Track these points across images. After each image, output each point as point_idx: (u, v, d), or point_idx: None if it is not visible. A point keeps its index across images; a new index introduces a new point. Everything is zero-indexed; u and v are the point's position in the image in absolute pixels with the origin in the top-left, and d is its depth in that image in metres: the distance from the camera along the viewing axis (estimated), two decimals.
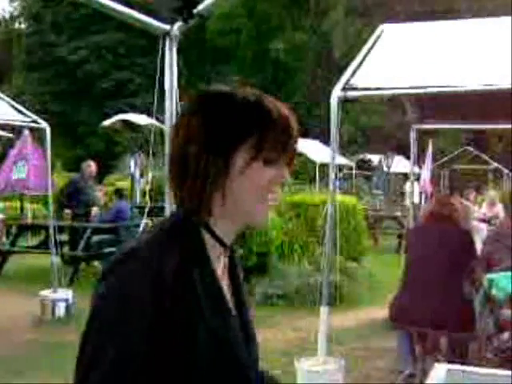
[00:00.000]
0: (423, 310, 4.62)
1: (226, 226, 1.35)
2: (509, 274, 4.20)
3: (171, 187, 1.35)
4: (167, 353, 1.21)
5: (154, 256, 1.23)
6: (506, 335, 4.07)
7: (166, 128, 3.48)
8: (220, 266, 1.38)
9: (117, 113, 17.20)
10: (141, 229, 6.25)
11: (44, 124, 7.77)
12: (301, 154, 18.83)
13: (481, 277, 4.35)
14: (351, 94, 4.80)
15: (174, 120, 3.48)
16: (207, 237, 1.33)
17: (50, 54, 35.18)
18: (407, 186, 19.07)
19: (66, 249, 10.09)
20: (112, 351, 1.18)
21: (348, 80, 4.83)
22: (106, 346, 1.19)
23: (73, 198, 10.65)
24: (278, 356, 5.75)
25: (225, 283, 1.39)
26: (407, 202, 17.98)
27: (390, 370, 5.63)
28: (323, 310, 4.98)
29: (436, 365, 1.77)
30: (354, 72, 4.93)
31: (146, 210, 4.76)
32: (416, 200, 8.42)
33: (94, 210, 10.72)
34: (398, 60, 5.09)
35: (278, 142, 1.31)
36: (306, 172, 20.11)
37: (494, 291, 4.15)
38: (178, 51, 3.51)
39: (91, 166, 10.92)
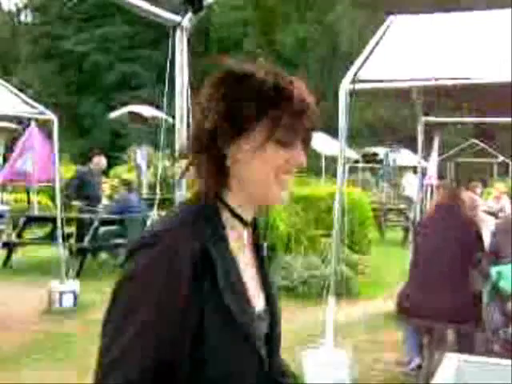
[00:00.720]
0: (430, 303, 4.62)
1: (243, 204, 1.39)
2: None
3: (191, 164, 1.37)
4: (182, 333, 1.24)
5: (174, 243, 1.25)
6: None
7: (177, 119, 3.48)
8: (241, 245, 1.41)
9: (122, 105, 17.19)
10: (149, 222, 6.26)
11: (51, 115, 7.78)
12: None
13: (488, 269, 4.35)
14: (360, 86, 4.79)
15: (184, 112, 3.48)
16: (227, 216, 1.37)
17: (56, 45, 35.21)
18: (404, 180, 19.07)
19: (72, 240, 10.11)
20: (131, 331, 1.22)
21: (356, 72, 4.82)
22: (123, 326, 1.23)
23: (80, 190, 10.67)
24: (284, 347, 5.75)
25: (247, 261, 1.42)
26: (407, 193, 17.97)
27: (396, 361, 5.64)
28: (331, 299, 4.98)
29: (448, 354, 1.77)
30: (362, 64, 4.91)
31: (156, 201, 4.75)
32: (417, 193, 8.37)
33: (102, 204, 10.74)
34: (407, 52, 5.07)
35: (294, 123, 1.32)
36: (313, 164, 20.08)
37: (502, 283, 4.16)
38: (188, 43, 3.52)
39: (101, 161, 10.95)
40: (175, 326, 1.23)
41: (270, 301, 1.47)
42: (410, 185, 19.23)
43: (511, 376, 1.68)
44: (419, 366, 5.11)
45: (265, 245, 1.54)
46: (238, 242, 1.40)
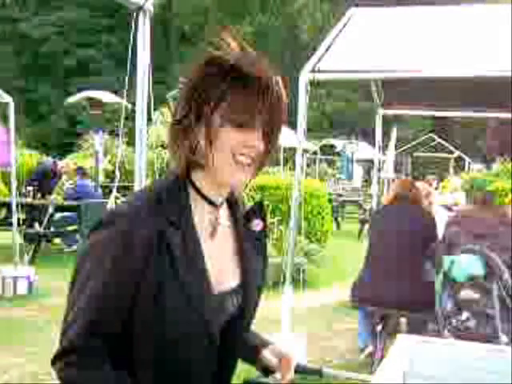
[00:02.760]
0: (384, 290, 4.71)
1: (209, 187, 1.44)
2: (468, 255, 4.31)
3: (170, 151, 1.46)
4: (139, 306, 1.36)
5: (130, 223, 1.34)
6: (464, 315, 4.19)
7: (137, 103, 3.46)
8: (212, 222, 1.47)
9: (80, 91, 16.94)
10: (108, 206, 6.20)
11: (8, 98, 7.62)
12: None
13: (441, 258, 4.45)
14: (320, 76, 4.82)
15: (144, 95, 3.46)
16: (195, 195, 1.44)
17: (12, 29, 34.44)
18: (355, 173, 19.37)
19: (27, 227, 9.97)
20: (81, 301, 1.36)
21: (316, 63, 4.85)
22: (75, 299, 1.37)
23: (38, 179, 10.61)
24: None
25: (223, 238, 1.50)
26: (355, 184, 18.24)
27: (351, 348, 5.73)
28: (286, 289, 5.03)
29: (399, 336, 1.82)
30: (323, 55, 4.94)
31: (115, 184, 4.70)
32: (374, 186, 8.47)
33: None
34: (367, 44, 5.12)
35: (250, 104, 1.34)
36: (272, 156, 20.11)
37: (454, 272, 4.26)
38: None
39: (69, 168, 10.98)
40: (124, 296, 1.35)
41: (245, 276, 1.52)
42: (358, 176, 19.58)
43: (461, 356, 1.74)
44: (372, 353, 5.20)
45: (256, 222, 1.57)
46: (208, 220, 1.46)
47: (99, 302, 1.34)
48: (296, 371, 1.70)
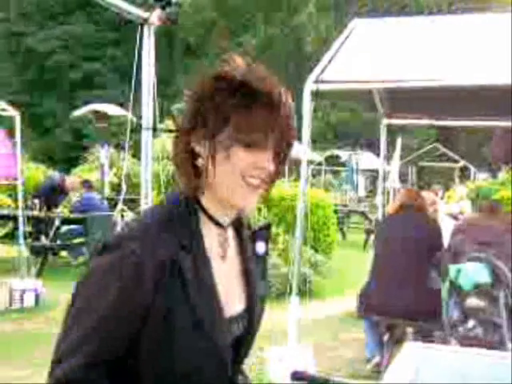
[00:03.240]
0: (390, 300, 4.71)
1: (217, 209, 1.39)
2: (475, 264, 4.31)
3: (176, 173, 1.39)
4: (134, 332, 1.28)
5: (141, 249, 1.25)
6: (470, 323, 4.18)
7: (143, 116, 3.49)
8: (221, 245, 1.42)
9: (85, 104, 17.00)
10: (114, 219, 6.22)
11: (14, 112, 7.69)
12: None
13: (447, 267, 4.45)
14: (323, 86, 4.85)
15: (150, 108, 3.49)
16: (203, 217, 1.38)
17: (18, 43, 34.64)
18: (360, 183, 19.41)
19: (33, 239, 10.00)
20: (78, 331, 1.26)
21: (320, 73, 4.88)
22: (72, 326, 1.28)
23: (45, 194, 10.68)
24: None
25: (230, 261, 1.44)
26: (360, 194, 18.23)
27: (358, 359, 5.72)
28: (293, 299, 5.03)
29: (405, 343, 1.83)
30: (327, 66, 4.97)
31: (122, 197, 4.72)
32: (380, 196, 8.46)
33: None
34: (371, 54, 5.15)
35: (260, 123, 1.27)
36: None
37: (460, 281, 4.26)
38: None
39: (76, 183, 11.04)
40: (125, 332, 1.27)
41: (250, 301, 1.47)
42: (363, 186, 19.59)
43: (468, 363, 1.75)
44: (379, 363, 5.19)
45: (260, 245, 1.54)
46: (217, 242, 1.41)
47: (96, 336, 1.25)
48: (304, 380, 1.70)
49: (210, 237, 1.38)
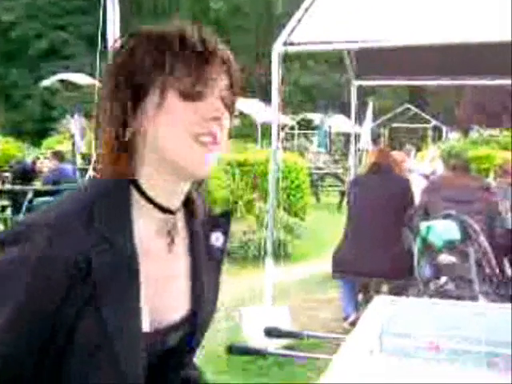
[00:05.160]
0: (364, 259, 4.78)
1: (157, 184, 1.13)
2: (445, 221, 4.38)
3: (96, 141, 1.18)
4: (38, 340, 1.05)
5: (48, 240, 1.02)
6: (443, 279, 4.26)
7: None
8: (158, 238, 1.17)
9: (53, 75, 16.73)
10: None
11: None
12: (242, 114, 18.87)
13: (419, 224, 4.51)
14: (292, 48, 4.82)
15: None
16: (140, 205, 1.13)
17: None
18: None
19: (7, 213, 9.91)
20: None
21: (289, 35, 4.85)
22: None
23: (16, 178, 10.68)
24: (221, 308, 5.81)
25: (175, 254, 1.20)
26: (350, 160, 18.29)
27: (334, 318, 5.80)
28: (268, 262, 5.07)
29: (376, 297, 1.86)
30: (295, 27, 4.93)
31: (91, 166, 4.67)
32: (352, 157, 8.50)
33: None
34: (340, 15, 5.11)
35: (197, 72, 1.09)
36: (249, 132, 20.16)
37: (431, 238, 4.32)
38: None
39: (44, 165, 11.00)
40: (26, 335, 1.03)
41: (196, 304, 1.25)
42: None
43: (438, 314, 1.79)
44: (355, 322, 5.27)
45: (216, 236, 1.30)
46: (159, 232, 1.17)
47: None
48: (282, 336, 1.72)
49: (149, 225, 1.13)
